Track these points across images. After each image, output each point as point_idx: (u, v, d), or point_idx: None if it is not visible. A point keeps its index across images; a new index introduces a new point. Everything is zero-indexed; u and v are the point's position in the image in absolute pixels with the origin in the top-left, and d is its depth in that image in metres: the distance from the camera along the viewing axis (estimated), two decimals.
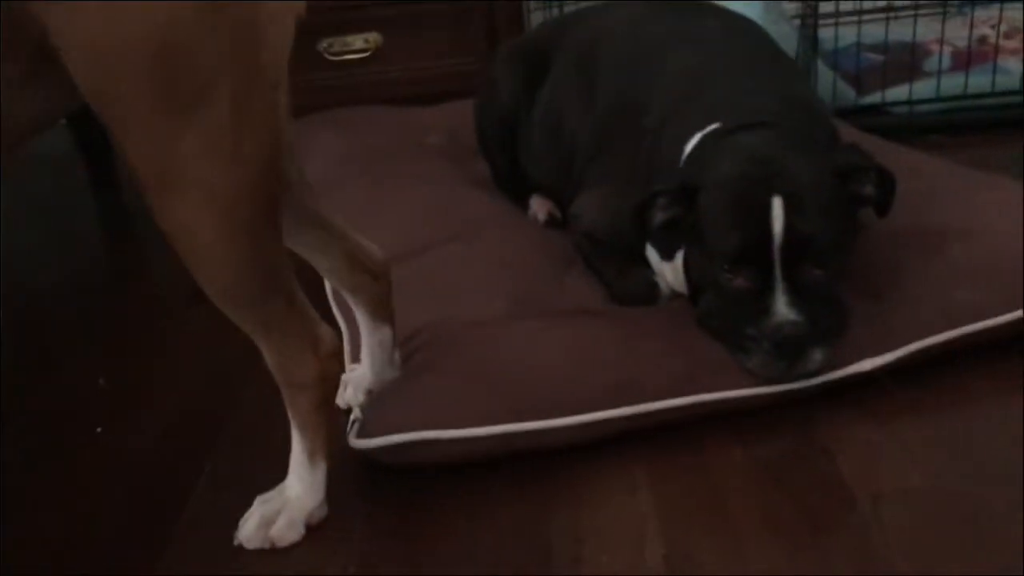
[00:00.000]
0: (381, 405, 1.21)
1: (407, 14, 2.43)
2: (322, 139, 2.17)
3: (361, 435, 1.16)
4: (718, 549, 1.01)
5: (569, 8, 2.24)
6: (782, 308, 1.16)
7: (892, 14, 2.28)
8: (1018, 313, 1.25)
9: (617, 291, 1.42)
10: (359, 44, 2.48)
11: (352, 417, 1.22)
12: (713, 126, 1.30)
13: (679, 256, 1.33)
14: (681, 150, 1.33)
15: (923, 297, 1.28)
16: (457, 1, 2.42)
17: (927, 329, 1.24)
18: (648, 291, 1.40)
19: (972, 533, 0.99)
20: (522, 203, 1.79)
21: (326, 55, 2.48)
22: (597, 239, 1.48)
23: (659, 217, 1.26)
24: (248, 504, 1.10)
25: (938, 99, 2.15)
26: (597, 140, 1.55)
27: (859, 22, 2.19)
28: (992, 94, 2.14)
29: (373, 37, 2.47)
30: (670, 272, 1.37)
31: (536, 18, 2.46)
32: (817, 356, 1.17)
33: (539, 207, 1.76)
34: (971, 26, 2.21)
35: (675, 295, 1.38)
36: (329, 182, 1.96)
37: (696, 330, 1.26)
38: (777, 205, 1.16)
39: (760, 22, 1.66)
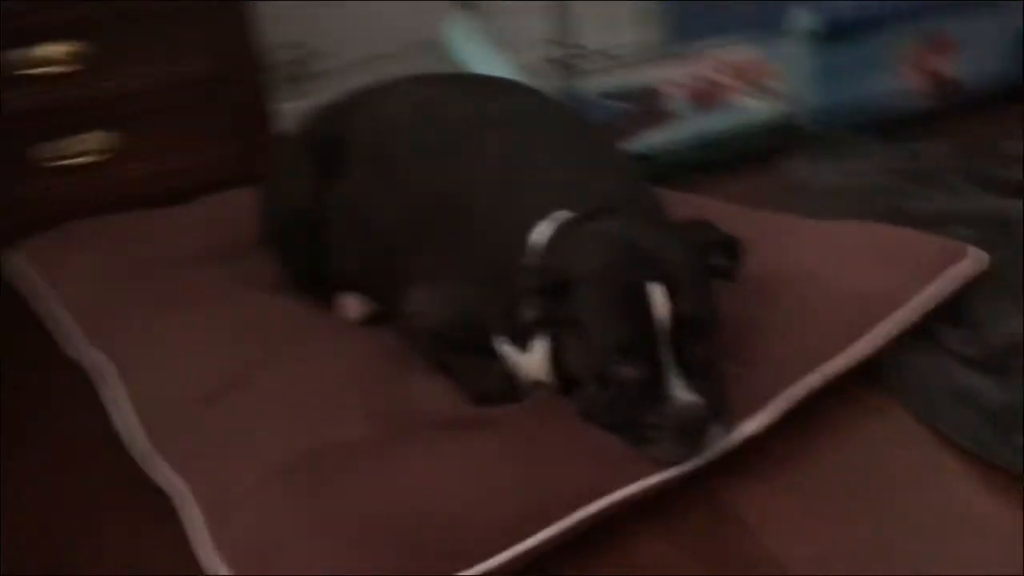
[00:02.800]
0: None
1: (140, 110, 2.21)
2: (70, 261, 1.90)
3: None
4: None
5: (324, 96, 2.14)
6: (679, 392, 1.15)
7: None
8: (865, 347, 1.34)
9: (473, 390, 1.36)
10: (77, 147, 2.23)
11: None
12: (561, 213, 1.27)
13: (536, 345, 1.29)
14: (523, 238, 1.29)
15: (774, 349, 1.34)
16: (192, 90, 2.24)
17: (788, 379, 1.29)
18: (508, 386, 1.35)
19: None
20: (326, 302, 1.68)
21: (42, 163, 2.21)
22: (443, 336, 1.41)
23: (531, 315, 1.21)
24: None
25: (687, 140, 2.27)
26: (416, 233, 1.47)
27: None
28: (733, 131, 2.28)
29: (96, 136, 2.23)
30: (526, 363, 1.33)
31: (288, 108, 2.32)
32: (716, 432, 1.18)
33: (350, 305, 1.66)
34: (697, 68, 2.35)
35: (535, 385, 1.35)
36: (98, 313, 1.73)
37: (579, 422, 1.23)
38: (658, 291, 1.16)
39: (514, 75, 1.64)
